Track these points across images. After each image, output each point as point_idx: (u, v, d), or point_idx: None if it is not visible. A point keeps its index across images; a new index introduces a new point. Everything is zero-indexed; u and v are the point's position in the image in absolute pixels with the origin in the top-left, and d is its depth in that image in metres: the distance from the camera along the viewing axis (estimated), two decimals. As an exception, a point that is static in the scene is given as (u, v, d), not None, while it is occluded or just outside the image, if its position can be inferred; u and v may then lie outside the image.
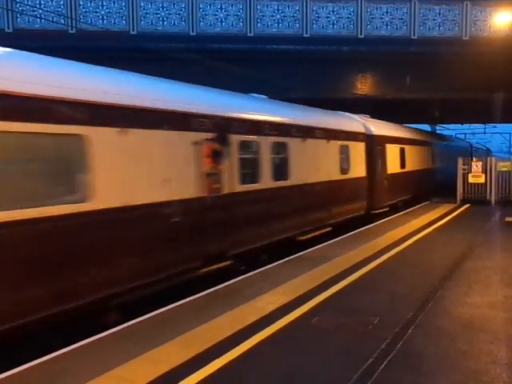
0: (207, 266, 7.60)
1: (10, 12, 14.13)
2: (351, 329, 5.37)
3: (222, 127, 7.99)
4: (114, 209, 5.96)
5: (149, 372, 4.30)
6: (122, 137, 6.13)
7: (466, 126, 43.02)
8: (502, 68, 15.92)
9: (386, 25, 16.53)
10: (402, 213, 16.03)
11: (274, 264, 8.58)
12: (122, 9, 15.21)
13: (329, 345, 4.95)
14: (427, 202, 19.32)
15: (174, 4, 15.48)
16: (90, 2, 15.02)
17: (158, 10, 15.43)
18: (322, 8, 16.24)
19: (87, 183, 5.66)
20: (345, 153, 13.12)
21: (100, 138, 5.83)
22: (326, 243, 10.51)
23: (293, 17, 16.11)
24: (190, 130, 7.34)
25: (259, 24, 15.98)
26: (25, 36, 14.05)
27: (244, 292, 6.79)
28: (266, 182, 9.37)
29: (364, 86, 17.60)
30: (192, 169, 7.34)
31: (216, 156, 7.83)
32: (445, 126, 40.34)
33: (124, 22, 15.23)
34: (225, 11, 15.78)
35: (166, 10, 15.46)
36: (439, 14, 16.65)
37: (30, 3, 14.43)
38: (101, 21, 15.01)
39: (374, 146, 14.94)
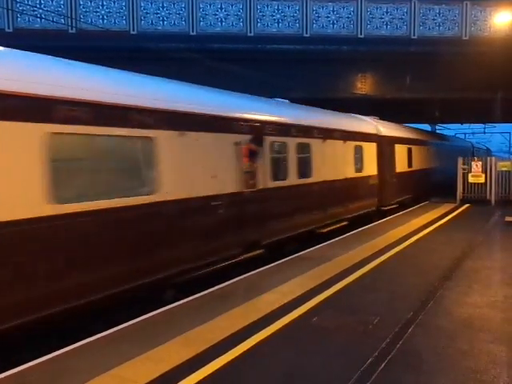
0: (245, 253, 8.59)
1: (10, 12, 14.13)
2: (351, 328, 5.37)
3: (257, 130, 9.05)
4: (174, 200, 6.94)
5: (149, 371, 4.30)
6: (181, 139, 7.14)
7: (465, 125, 43.02)
8: (502, 68, 15.93)
9: (386, 24, 16.53)
10: (401, 212, 16.03)
11: (274, 264, 8.59)
12: (122, 8, 15.21)
13: (329, 344, 4.96)
14: (427, 202, 19.33)
15: (174, 4, 15.48)
16: (90, 2, 15.02)
17: (158, 9, 15.43)
18: (322, 8, 16.25)
19: (155, 178, 6.67)
20: (359, 153, 14.04)
21: (165, 140, 6.82)
22: (325, 243, 10.52)
23: (293, 16, 16.12)
24: (232, 132, 8.40)
25: (259, 24, 15.98)
26: (25, 36, 14.05)
27: (244, 291, 6.80)
28: (293, 179, 10.39)
29: (364, 85, 17.61)
30: (233, 166, 8.39)
31: (252, 155, 8.84)
32: (445, 125, 40.34)
33: (124, 21, 15.23)
34: (225, 11, 15.78)
35: (166, 9, 15.46)
36: (439, 13, 16.65)
37: (30, 3, 14.43)
38: (101, 20, 15.01)
39: (385, 147, 15.78)
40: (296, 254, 9.33)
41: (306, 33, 16.19)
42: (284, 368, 4.43)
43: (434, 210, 16.41)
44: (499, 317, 5.74)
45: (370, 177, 14.78)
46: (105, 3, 15.09)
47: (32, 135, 5.14)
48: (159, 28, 15.42)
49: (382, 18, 16.49)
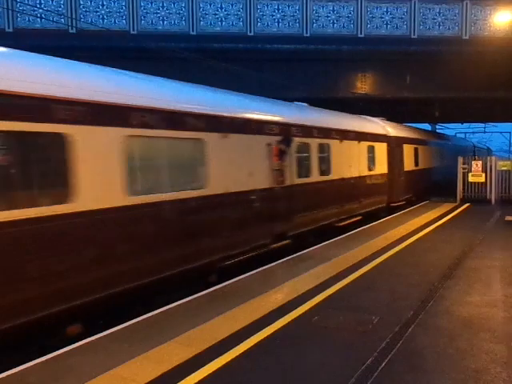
0: (274, 243, 9.52)
1: (10, 12, 14.13)
2: (351, 328, 5.38)
3: (285, 132, 9.99)
4: (220, 194, 7.92)
5: (149, 371, 4.31)
6: (224, 140, 8.07)
7: (465, 125, 43.01)
8: (502, 67, 15.92)
9: (386, 24, 16.52)
10: (401, 212, 16.05)
11: (274, 263, 8.60)
12: (122, 8, 15.21)
13: (329, 344, 4.96)
14: (427, 201, 19.34)
15: (174, 3, 15.48)
16: (91, 2, 15.02)
17: (159, 9, 15.43)
18: (322, 7, 16.24)
19: (205, 175, 7.64)
20: (371, 152, 14.95)
21: (212, 141, 7.76)
22: (326, 242, 10.52)
23: (293, 16, 16.11)
24: (265, 134, 9.36)
25: (259, 23, 15.98)
26: (25, 36, 14.05)
27: (244, 291, 6.80)
28: (315, 176, 11.36)
29: (364, 85, 17.60)
30: (266, 165, 9.34)
31: (281, 154, 9.80)
32: (445, 125, 40.32)
33: (124, 21, 15.23)
34: (225, 10, 15.78)
35: (166, 9, 15.46)
36: (439, 13, 16.64)
37: (30, 3, 14.43)
38: (101, 20, 15.01)
39: (394, 147, 16.70)
40: (296, 254, 9.33)
41: (306, 32, 16.19)
42: (284, 367, 4.44)
43: (434, 210, 16.41)
44: (499, 316, 5.74)
45: (381, 175, 15.70)
46: (105, 3, 15.09)
47: (115, 137, 6.05)
48: (159, 28, 15.42)
49: (382, 18, 16.49)
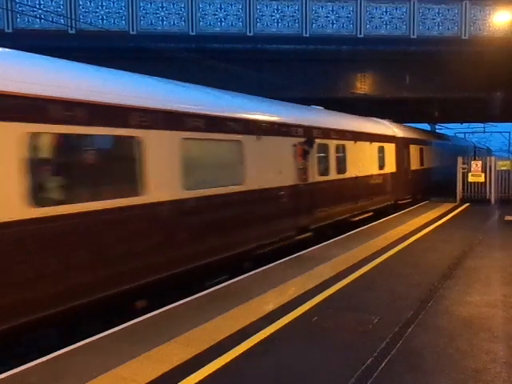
0: (298, 235, 10.44)
1: (9, 12, 14.13)
2: (351, 328, 5.38)
3: (308, 134, 10.91)
4: (254, 190, 8.87)
5: (149, 371, 4.31)
6: (258, 142, 9.02)
7: (465, 124, 43.02)
8: (502, 67, 15.92)
9: (386, 24, 16.53)
10: (401, 212, 16.06)
11: (274, 264, 8.60)
12: (121, 9, 15.21)
13: (329, 344, 4.97)
14: (427, 201, 19.35)
15: (173, 4, 15.48)
16: (90, 2, 15.02)
17: (158, 9, 15.43)
18: (322, 7, 16.24)
19: (243, 172, 8.59)
20: (381, 152, 15.86)
21: (248, 143, 8.75)
22: (325, 242, 10.53)
23: (292, 16, 16.12)
24: (291, 136, 10.30)
25: (258, 24, 15.97)
26: (24, 36, 14.05)
27: (244, 292, 6.80)
28: (333, 174, 12.31)
29: (363, 85, 17.61)
30: (292, 164, 10.27)
31: (304, 154, 10.71)
32: (444, 125, 40.32)
33: (124, 22, 15.23)
34: (224, 11, 15.78)
35: (166, 9, 15.46)
36: (438, 13, 16.65)
37: (29, 3, 14.43)
38: (100, 21, 15.01)
39: (401, 147, 17.59)
40: (296, 254, 9.34)
41: (306, 32, 16.19)
42: (284, 367, 4.44)
43: (434, 210, 16.42)
44: (499, 316, 5.75)
45: (389, 174, 16.58)
46: (104, 4, 15.09)
47: (175, 140, 7.00)
48: (159, 28, 15.42)
49: (381, 18, 16.49)
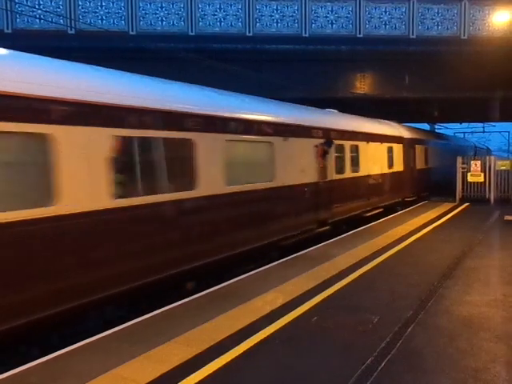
0: (318, 228, 11.40)
1: (9, 12, 14.12)
2: (351, 328, 5.38)
3: (327, 135, 11.84)
4: (282, 186, 9.84)
5: (149, 371, 4.31)
6: (285, 142, 9.96)
7: (464, 124, 43.03)
8: (501, 67, 15.94)
9: (385, 24, 16.53)
10: (401, 212, 16.08)
11: (274, 263, 8.61)
12: (121, 9, 15.21)
13: (329, 344, 4.97)
14: (426, 201, 19.37)
15: (172, 4, 15.47)
16: (89, 3, 15.01)
17: (157, 10, 15.42)
18: (321, 8, 16.25)
19: (272, 170, 9.55)
20: (390, 152, 16.88)
21: (277, 144, 9.73)
22: (326, 242, 10.54)
23: (291, 16, 16.12)
24: (312, 137, 11.27)
25: (258, 24, 15.98)
26: (24, 36, 14.05)
27: (244, 291, 6.81)
28: (348, 172, 13.27)
29: (363, 85, 17.61)
30: (313, 163, 11.25)
31: (324, 154, 11.67)
32: (443, 124, 40.33)
33: (123, 22, 15.23)
34: (224, 11, 15.78)
35: (165, 9, 15.45)
36: (438, 13, 16.66)
37: (28, 4, 14.42)
38: (100, 21, 15.00)
39: (408, 147, 18.59)
40: (296, 254, 9.34)
41: (305, 33, 16.19)
42: (284, 367, 4.44)
43: (434, 209, 16.43)
44: (499, 315, 5.75)
45: (398, 172, 17.54)
46: (104, 4, 15.09)
47: (219, 141, 7.97)
48: (158, 28, 15.42)
49: (380, 18, 16.50)
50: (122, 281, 6.03)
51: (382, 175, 15.98)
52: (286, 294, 6.61)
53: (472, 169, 18.82)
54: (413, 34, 16.56)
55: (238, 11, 15.84)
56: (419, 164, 20.27)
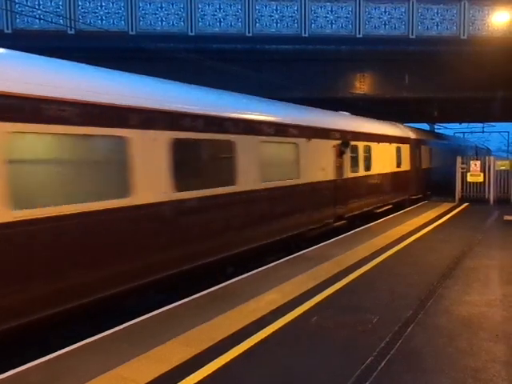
0: (336, 222, 12.43)
1: (8, 13, 14.12)
2: (351, 328, 5.39)
3: (343, 137, 12.82)
4: (306, 183, 10.89)
5: (149, 371, 4.32)
6: (307, 143, 10.99)
7: (464, 124, 43.04)
8: (501, 67, 15.94)
9: (385, 24, 16.53)
10: (400, 212, 16.09)
11: (274, 263, 8.61)
12: (120, 9, 15.21)
13: (328, 344, 4.97)
14: (426, 201, 19.38)
15: (172, 4, 15.47)
16: (89, 3, 15.01)
17: (157, 10, 15.42)
18: (321, 8, 16.25)
19: (298, 169, 10.61)
20: (398, 152, 17.84)
21: (302, 145, 10.78)
22: (325, 242, 10.54)
23: (291, 17, 16.12)
24: (331, 139, 12.32)
25: (258, 24, 15.98)
26: (24, 37, 14.05)
27: (244, 291, 6.81)
28: (361, 171, 14.25)
29: (363, 85, 17.62)
30: (331, 162, 12.26)
31: (341, 154, 12.68)
32: (443, 124, 40.33)
33: (123, 22, 15.23)
34: (223, 11, 15.78)
35: (165, 10, 15.45)
36: (437, 13, 16.66)
37: (28, 4, 14.42)
38: (100, 21, 15.01)
39: (414, 148, 19.57)
40: (296, 254, 9.35)
41: (305, 33, 16.20)
42: (284, 367, 4.45)
43: (433, 209, 16.44)
44: (498, 315, 5.76)
45: (405, 171, 18.51)
46: (103, 4, 15.09)
47: (255, 142, 9.01)
48: (158, 28, 15.42)
49: (380, 18, 16.50)
50: (183, 262, 7.09)
51: (392, 174, 16.87)
52: (286, 294, 6.62)
53: (471, 169, 18.83)
54: (412, 34, 16.57)
55: (238, 11, 15.85)
56: (424, 164, 21.12)
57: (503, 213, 14.92)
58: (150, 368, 4.38)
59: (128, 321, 5.66)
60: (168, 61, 13.72)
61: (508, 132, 51.44)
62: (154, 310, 6.00)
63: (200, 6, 15.66)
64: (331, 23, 16.34)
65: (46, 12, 14.32)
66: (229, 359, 4.57)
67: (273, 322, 5.52)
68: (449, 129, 42.92)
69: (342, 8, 16.33)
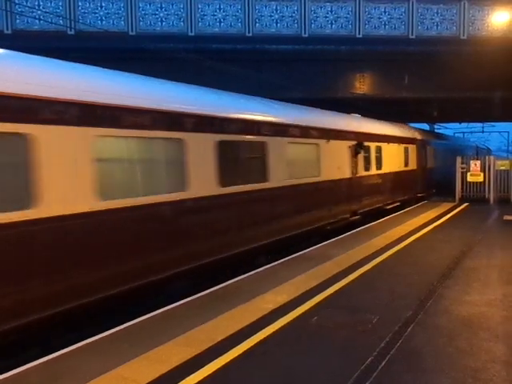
0: (351, 217, 13.40)
1: (8, 13, 14.12)
2: (351, 328, 5.39)
3: (357, 138, 13.78)
4: (325, 180, 11.84)
5: (149, 371, 4.32)
6: (327, 144, 11.99)
7: (463, 124, 43.04)
8: (500, 67, 15.95)
9: (384, 24, 16.53)
10: (400, 212, 16.09)
11: (274, 263, 8.61)
12: (120, 10, 15.21)
13: (328, 344, 4.98)
14: (426, 201, 19.38)
15: (172, 4, 15.48)
16: (89, 3, 15.01)
17: (157, 10, 15.42)
18: (320, 8, 16.25)
19: (318, 167, 11.59)
20: (406, 152, 18.78)
21: (322, 145, 11.74)
22: (325, 242, 10.54)
23: (291, 17, 16.12)
24: (347, 139, 13.21)
25: (258, 24, 15.98)
26: (23, 37, 14.05)
27: (244, 291, 6.81)
28: (373, 170, 15.15)
29: (363, 85, 17.62)
30: (347, 161, 13.21)
31: (355, 154, 13.58)
32: (443, 124, 40.33)
33: (123, 22, 15.23)
34: (223, 11, 15.78)
35: (165, 10, 15.45)
36: (437, 13, 16.66)
37: (28, 4, 14.42)
38: (99, 22, 15.01)
39: (420, 148, 20.52)
40: (296, 254, 9.35)
41: (305, 33, 16.20)
42: (284, 368, 4.45)
43: (433, 209, 16.45)
44: (498, 315, 5.76)
45: (412, 170, 19.41)
46: (103, 4, 15.09)
47: (283, 143, 9.97)
48: (158, 29, 15.42)
49: (380, 18, 16.50)
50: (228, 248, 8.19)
51: (400, 173, 17.78)
52: (286, 294, 6.62)
53: (471, 169, 18.84)
54: (412, 34, 16.57)
55: (238, 11, 15.85)
56: (429, 163, 21.98)
57: (503, 213, 14.93)
58: (151, 368, 4.39)
59: (128, 321, 5.67)
60: (168, 61, 13.72)
61: (508, 132, 51.51)
62: (153, 311, 6.01)
63: (200, 6, 15.66)
64: (331, 23, 16.34)
65: (45, 12, 14.31)
66: (229, 359, 4.57)
67: (273, 323, 5.52)
68: (449, 129, 42.94)
69: (341, 8, 16.34)
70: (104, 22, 15.04)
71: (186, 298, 6.54)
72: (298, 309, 6.00)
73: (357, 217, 13.61)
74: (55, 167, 5.28)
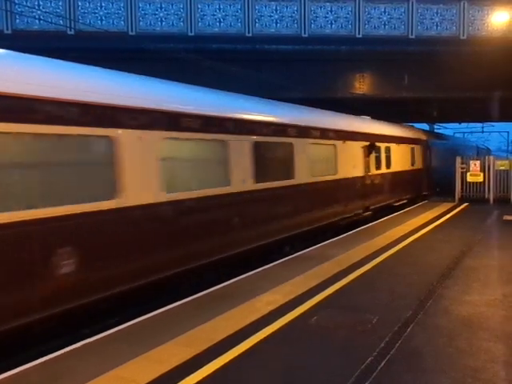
0: (364, 212, 14.41)
1: (8, 13, 14.12)
2: (350, 328, 5.39)
3: (369, 139, 14.75)
4: (341, 178, 12.82)
5: (149, 371, 4.32)
6: (343, 145, 12.94)
7: (463, 124, 43.04)
8: (500, 67, 15.94)
9: (384, 24, 16.53)
10: (400, 212, 16.10)
11: (274, 263, 8.61)
12: (120, 10, 15.20)
13: (328, 344, 4.98)
14: (426, 201, 19.38)
15: (172, 4, 15.47)
16: (89, 3, 15.00)
17: (157, 10, 15.41)
18: (320, 8, 16.25)
19: (335, 166, 12.54)
20: (413, 152, 19.76)
21: (339, 146, 12.68)
22: (325, 242, 10.55)
23: (291, 17, 16.12)
24: (360, 140, 14.21)
25: (257, 24, 15.97)
26: (23, 37, 14.04)
27: (243, 291, 6.81)
28: (383, 169, 16.14)
29: (362, 85, 17.62)
30: (360, 160, 14.21)
31: (367, 153, 14.57)
32: (442, 124, 40.33)
33: (123, 22, 15.23)
34: (223, 11, 15.78)
35: (165, 10, 15.45)
36: (437, 13, 16.66)
37: (28, 4, 14.42)
38: (99, 22, 15.00)
39: (426, 148, 21.54)
40: (296, 254, 9.36)
41: (305, 33, 16.20)
42: (284, 368, 4.45)
43: (433, 209, 16.45)
44: (498, 315, 5.76)
45: (418, 169, 20.37)
46: (103, 4, 15.09)
47: (306, 144, 10.97)
48: (157, 29, 15.41)
49: (379, 18, 16.50)
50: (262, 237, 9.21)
51: (407, 172, 18.78)
52: (286, 294, 6.62)
53: (471, 169, 18.84)
54: (412, 34, 16.57)
55: (238, 11, 15.85)
56: (434, 163, 22.76)
57: (503, 213, 14.93)
58: (150, 368, 4.39)
59: (128, 321, 5.67)
60: (167, 61, 13.71)
61: (508, 132, 51.52)
62: (153, 310, 6.01)
63: (200, 6, 15.65)
64: (331, 23, 16.34)
65: (45, 12, 14.30)
66: (228, 359, 4.57)
67: (272, 323, 5.52)
68: (448, 129, 42.94)
69: (341, 8, 16.33)
70: (104, 22, 15.04)
71: (185, 298, 6.54)
72: (298, 309, 6.00)
73: (369, 212, 14.60)
74: (134, 165, 6.37)
